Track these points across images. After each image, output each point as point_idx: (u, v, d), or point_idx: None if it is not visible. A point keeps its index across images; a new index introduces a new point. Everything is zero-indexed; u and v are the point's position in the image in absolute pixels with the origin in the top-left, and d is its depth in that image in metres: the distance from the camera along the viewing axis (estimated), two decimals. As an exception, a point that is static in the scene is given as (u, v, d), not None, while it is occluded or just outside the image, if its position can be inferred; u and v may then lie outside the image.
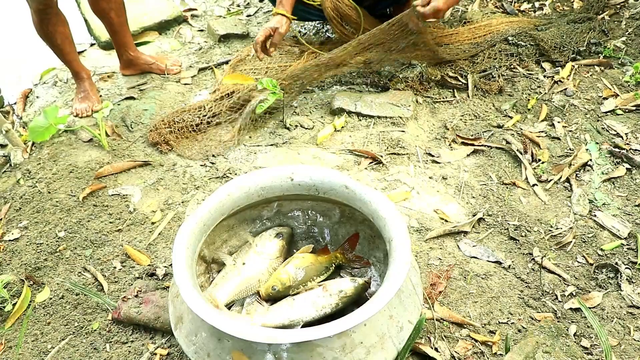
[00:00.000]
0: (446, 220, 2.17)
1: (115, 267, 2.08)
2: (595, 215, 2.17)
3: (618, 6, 3.26)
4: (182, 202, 2.33)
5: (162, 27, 3.52)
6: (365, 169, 2.40)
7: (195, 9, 3.70)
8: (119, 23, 2.92)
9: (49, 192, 2.42)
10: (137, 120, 2.78)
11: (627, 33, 3.06)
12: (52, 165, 2.56)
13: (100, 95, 2.97)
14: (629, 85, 2.75)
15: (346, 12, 2.83)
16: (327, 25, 2.90)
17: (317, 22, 3.14)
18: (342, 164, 2.43)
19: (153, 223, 2.26)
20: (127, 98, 2.94)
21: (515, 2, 3.42)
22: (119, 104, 2.89)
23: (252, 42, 3.32)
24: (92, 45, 3.50)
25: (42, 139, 2.52)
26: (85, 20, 3.56)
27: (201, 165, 2.49)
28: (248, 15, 3.58)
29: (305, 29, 3.13)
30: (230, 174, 2.42)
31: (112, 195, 2.39)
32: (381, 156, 2.44)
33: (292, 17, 2.67)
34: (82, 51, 3.39)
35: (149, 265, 2.08)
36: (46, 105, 3.00)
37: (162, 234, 2.21)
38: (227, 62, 3.16)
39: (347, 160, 2.45)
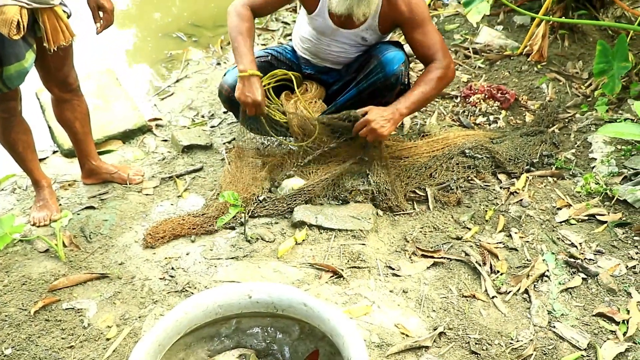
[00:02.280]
0: (407, 335, 2.15)
1: (65, 387, 2.01)
2: (554, 327, 2.19)
3: (566, 120, 3.42)
4: (140, 317, 2.27)
5: (127, 136, 3.55)
6: (326, 282, 2.40)
7: (160, 119, 3.76)
8: (83, 133, 2.94)
9: (-2, 306, 2.35)
10: (96, 231, 2.75)
11: (576, 145, 3.19)
12: (4, 276, 2.49)
13: (60, 204, 2.94)
14: (580, 196, 2.84)
15: (313, 130, 2.90)
16: (290, 138, 2.97)
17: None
18: (302, 277, 2.42)
19: (108, 339, 2.19)
20: (87, 207, 2.92)
21: (471, 116, 3.56)
22: (78, 214, 2.87)
23: (214, 152, 3.36)
24: (54, 152, 3.50)
25: (-4, 249, 2.47)
26: (49, 128, 3.57)
27: (160, 279, 2.45)
28: (212, 127, 3.64)
29: (268, 141, 3.19)
30: (190, 287, 2.39)
31: (66, 309, 2.33)
32: (342, 270, 2.44)
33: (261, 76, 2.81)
34: (44, 158, 3.39)
35: (102, 384, 2.02)
36: (3, 213, 2.95)
37: (117, 351, 2.14)
38: (189, 173, 3.18)
39: (308, 274, 2.44)
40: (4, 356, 2.13)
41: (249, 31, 2.82)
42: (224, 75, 3.04)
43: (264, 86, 2.86)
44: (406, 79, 2.87)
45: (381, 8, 2.77)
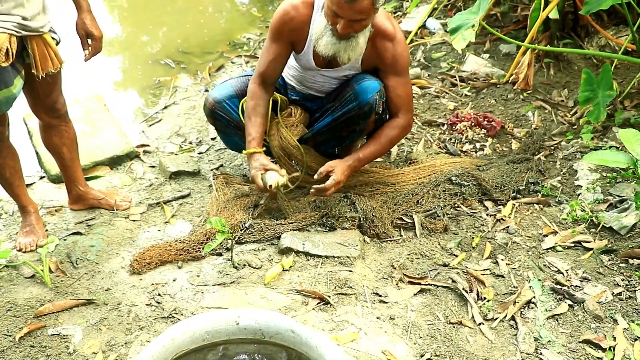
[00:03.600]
0: (394, 362, 2.15)
1: (49, 416, 1.98)
2: (541, 354, 2.19)
3: (552, 148, 3.46)
4: (126, 344, 2.25)
5: (114, 162, 3.55)
6: (313, 309, 2.39)
7: (148, 145, 3.76)
8: (70, 159, 2.94)
9: (-17, 332, 2.32)
10: (82, 257, 2.73)
11: (561, 173, 3.22)
12: (-11, 302, 2.48)
13: (47, 230, 2.93)
14: (566, 223, 2.87)
15: (292, 151, 2.97)
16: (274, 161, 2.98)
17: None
18: (289, 304, 2.42)
19: (93, 366, 2.18)
20: (74, 233, 2.90)
21: (457, 143, 3.59)
22: (65, 239, 2.85)
23: (202, 179, 3.37)
24: (41, 178, 3.48)
25: (-18, 275, 2.44)
26: (37, 153, 3.56)
27: (147, 305, 2.44)
28: (200, 153, 3.64)
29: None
30: (176, 314, 2.38)
31: (52, 335, 2.30)
32: (329, 296, 2.44)
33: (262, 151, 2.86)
34: (31, 184, 3.37)
35: (86, 412, 1.99)
36: (-11, 239, 2.94)
37: (103, 377, 2.13)
38: (177, 199, 3.18)
39: (295, 301, 2.44)
40: (-11, 383, 2.11)
41: (255, 109, 2.88)
42: (211, 89, 3.08)
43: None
44: (380, 108, 2.86)
45: (365, 51, 2.80)
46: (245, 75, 3.08)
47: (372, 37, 2.76)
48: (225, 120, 3.04)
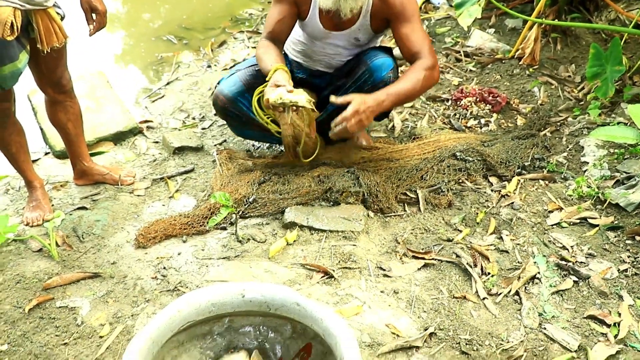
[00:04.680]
0: (398, 335, 2.16)
1: (59, 385, 2.01)
2: (545, 328, 2.19)
3: (558, 124, 3.44)
4: (132, 316, 2.27)
5: (118, 138, 3.55)
6: (317, 283, 2.40)
7: (151, 121, 3.76)
8: (76, 134, 2.94)
9: (-6, 303, 2.34)
10: (88, 231, 2.75)
11: (567, 149, 3.20)
12: (-2, 275, 2.50)
13: (52, 205, 2.94)
14: (572, 199, 2.85)
15: (305, 142, 2.90)
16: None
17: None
18: (294, 278, 2.43)
19: (101, 337, 2.19)
20: (79, 208, 2.92)
21: (462, 119, 3.57)
22: (70, 214, 2.87)
23: (205, 154, 3.37)
24: (46, 154, 3.49)
25: (-10, 248, 2.46)
26: (41, 129, 3.57)
27: (152, 278, 2.45)
28: (203, 128, 3.64)
29: (258, 143, 3.21)
30: (182, 287, 2.39)
31: (60, 307, 2.33)
32: (333, 270, 2.45)
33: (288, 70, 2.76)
34: (37, 159, 3.38)
35: (94, 382, 2.02)
36: (-4, 214, 2.96)
37: (110, 348, 2.15)
38: (180, 174, 3.19)
39: (299, 275, 2.45)
40: (0, 352, 2.13)
41: (268, 48, 2.82)
42: (218, 83, 3.02)
43: (258, 98, 2.83)
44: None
45: (372, 6, 2.77)
46: (251, 66, 3.01)
47: None
48: (238, 118, 3.00)
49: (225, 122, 3.32)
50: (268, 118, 2.85)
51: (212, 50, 4.75)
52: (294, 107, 2.62)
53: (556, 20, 4.09)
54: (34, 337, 2.20)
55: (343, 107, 2.62)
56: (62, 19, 2.53)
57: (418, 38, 2.76)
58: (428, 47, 2.76)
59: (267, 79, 2.68)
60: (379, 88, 2.74)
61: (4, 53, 2.36)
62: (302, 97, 2.57)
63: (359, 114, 2.55)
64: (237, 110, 2.96)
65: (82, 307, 2.33)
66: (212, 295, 1.76)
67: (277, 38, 2.89)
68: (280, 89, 2.57)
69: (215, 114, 3.76)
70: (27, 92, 3.74)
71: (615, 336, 2.16)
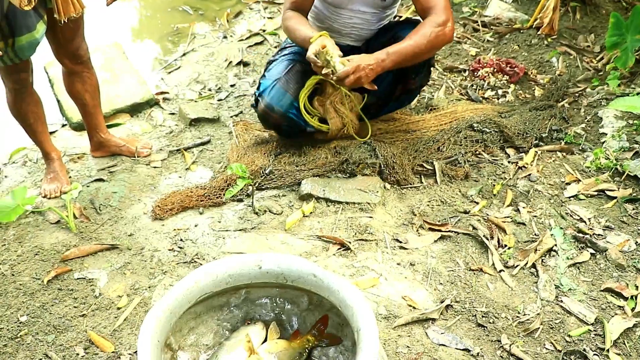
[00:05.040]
0: (414, 307, 2.17)
1: (78, 354, 2.04)
2: (561, 301, 2.19)
3: (576, 94, 3.40)
4: (149, 287, 2.30)
5: (134, 110, 3.56)
6: (334, 255, 2.41)
7: (167, 92, 3.75)
8: (93, 105, 2.95)
9: (13, 275, 2.37)
10: (105, 203, 2.76)
11: (586, 120, 3.17)
12: (18, 246, 2.52)
13: (70, 177, 2.96)
14: (590, 171, 2.83)
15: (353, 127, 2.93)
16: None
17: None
18: (310, 250, 2.44)
19: (119, 308, 2.22)
20: (96, 180, 2.93)
21: (479, 90, 3.54)
22: (88, 186, 2.89)
23: (222, 125, 3.37)
24: (63, 126, 3.51)
25: (9, 220, 2.46)
26: (58, 101, 3.58)
27: (169, 250, 2.47)
28: (219, 100, 3.63)
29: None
30: (199, 258, 2.41)
31: (78, 279, 2.36)
32: (349, 242, 2.45)
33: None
34: (54, 132, 3.40)
35: (113, 352, 2.04)
36: (15, 185, 2.98)
37: (128, 319, 2.17)
38: (197, 146, 3.19)
39: (316, 246, 2.46)
40: (20, 323, 2.17)
41: (299, 18, 2.77)
42: (260, 93, 2.88)
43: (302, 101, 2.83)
44: (433, 59, 2.82)
45: None
46: (288, 70, 2.88)
47: None
48: (290, 129, 2.92)
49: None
50: (315, 118, 2.88)
51: (227, 20, 4.71)
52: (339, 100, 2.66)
53: (576, -12, 4.03)
54: (52, 308, 2.23)
55: (382, 100, 2.81)
56: None
57: None
58: (443, 3, 2.63)
59: (311, 40, 2.59)
60: (418, 66, 2.75)
61: (21, 23, 2.36)
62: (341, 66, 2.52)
63: (359, 71, 2.49)
64: (290, 123, 2.87)
65: (99, 279, 2.36)
66: (229, 266, 1.77)
67: (301, 9, 2.82)
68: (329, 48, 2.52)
69: (232, 85, 3.76)
70: (43, 64, 3.74)
71: (633, 309, 2.15)
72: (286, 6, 2.84)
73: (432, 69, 2.98)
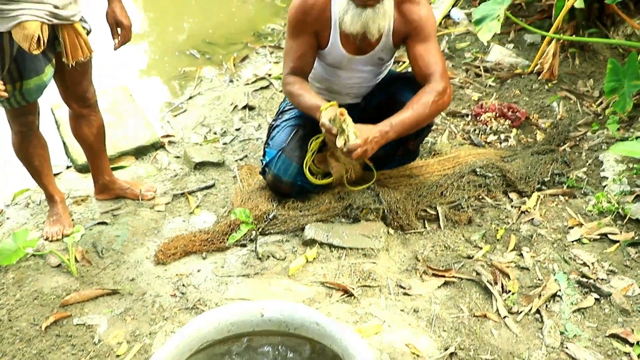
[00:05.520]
0: (418, 355, 2.15)
1: (76, 404, 2.02)
2: (567, 348, 2.17)
3: (577, 138, 3.42)
4: (150, 334, 2.28)
5: (139, 152, 3.58)
6: (337, 301, 2.40)
7: (173, 135, 3.78)
8: (98, 149, 2.97)
9: (10, 320, 2.35)
10: (108, 247, 2.76)
11: (587, 164, 3.18)
12: (17, 290, 2.51)
13: (73, 219, 2.96)
14: (592, 215, 2.83)
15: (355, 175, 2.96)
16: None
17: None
18: (313, 296, 2.42)
19: (118, 356, 2.19)
20: (99, 223, 2.94)
21: (481, 134, 3.56)
22: (90, 229, 2.89)
23: (226, 169, 3.39)
24: (68, 167, 3.53)
25: (9, 263, 2.45)
26: (64, 143, 3.61)
27: (171, 295, 2.46)
28: (224, 143, 3.66)
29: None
30: (201, 304, 2.40)
31: (77, 324, 2.34)
32: (353, 288, 2.44)
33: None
34: (58, 173, 3.41)
35: (112, 401, 2.02)
36: (17, 227, 2.97)
37: (127, 367, 2.16)
38: (201, 189, 3.21)
39: (319, 293, 2.45)
40: (15, 372, 2.14)
41: (302, 83, 2.74)
42: (266, 164, 2.92)
43: (307, 164, 2.84)
44: (432, 123, 2.86)
45: (394, 23, 2.70)
46: (290, 138, 2.88)
47: (397, 4, 2.65)
48: (299, 194, 2.94)
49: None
50: (318, 176, 2.91)
51: (234, 65, 4.78)
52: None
53: (574, 35, 4.08)
54: (49, 355, 2.20)
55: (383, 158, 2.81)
56: (88, 33, 2.57)
57: (433, 59, 2.67)
58: (441, 69, 2.66)
59: (321, 109, 2.55)
60: (421, 134, 2.83)
61: (30, 66, 2.39)
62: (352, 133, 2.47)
63: (366, 144, 2.44)
64: (299, 189, 2.91)
65: (99, 325, 2.34)
66: (232, 314, 1.76)
67: (302, 73, 2.80)
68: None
69: (237, 129, 3.79)
70: (50, 106, 3.78)
71: (639, 355, 2.13)
72: (286, 70, 2.80)
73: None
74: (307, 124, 2.94)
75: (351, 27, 2.56)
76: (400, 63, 4.34)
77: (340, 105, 2.68)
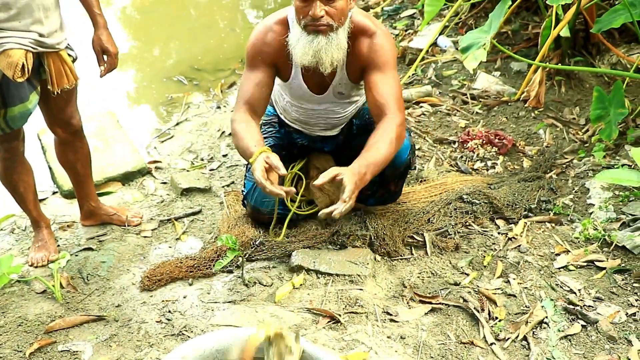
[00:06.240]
0: (405, 382, 2.14)
1: None
2: (554, 375, 2.17)
3: (564, 166, 3.45)
4: (135, 361, 2.26)
5: (126, 178, 3.57)
6: (324, 328, 2.38)
7: (160, 161, 3.78)
8: (84, 175, 2.96)
9: (-7, 347, 2.33)
10: (93, 273, 2.74)
11: (573, 191, 3.21)
12: (0, 317, 2.48)
13: (58, 245, 2.94)
14: (579, 242, 2.84)
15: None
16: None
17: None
18: (300, 322, 2.41)
19: (103, 383, 2.18)
20: (85, 249, 2.92)
21: (468, 161, 3.58)
22: (76, 255, 2.87)
23: (213, 195, 3.38)
24: (54, 193, 3.51)
25: (-7, 289, 2.45)
26: (50, 168, 3.60)
27: (157, 322, 2.44)
28: (211, 170, 3.66)
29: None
30: (187, 331, 2.38)
31: (62, 351, 2.31)
32: (339, 315, 2.43)
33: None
34: (44, 199, 3.40)
35: None
36: (1, 253, 2.96)
37: (111, 395, 2.13)
38: (188, 215, 3.20)
39: (305, 319, 2.43)
40: (-3, 401, 2.11)
41: (248, 123, 2.57)
42: (245, 197, 2.94)
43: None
44: (414, 164, 2.84)
45: (348, 57, 2.59)
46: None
47: (352, 37, 2.53)
48: (283, 221, 2.85)
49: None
50: (302, 204, 2.94)
51: (221, 91, 4.80)
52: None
53: (560, 64, 4.14)
54: (34, 383, 2.18)
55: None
56: (73, 60, 2.57)
57: (388, 89, 2.53)
58: (396, 100, 2.53)
59: (250, 160, 2.40)
60: (400, 172, 2.83)
61: (14, 94, 2.39)
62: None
63: (352, 197, 2.28)
64: (279, 217, 2.83)
65: (84, 352, 2.31)
66: (217, 340, 1.74)
67: (254, 109, 2.62)
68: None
69: (224, 155, 3.79)
70: (37, 131, 3.77)
71: (625, 382, 2.13)
72: (237, 106, 2.64)
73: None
74: (284, 151, 2.90)
75: (303, 57, 2.46)
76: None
77: (311, 137, 2.77)
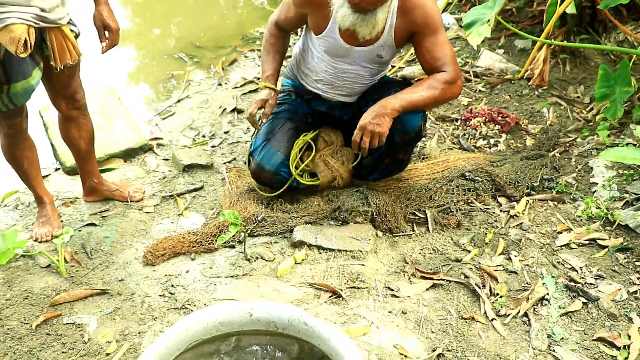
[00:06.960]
0: (406, 356, 2.15)
1: (64, 402, 2.01)
2: (554, 350, 2.18)
3: (567, 144, 3.43)
4: (139, 333, 2.27)
5: (128, 155, 3.58)
6: (325, 302, 2.40)
7: (161, 138, 3.78)
8: (87, 151, 2.96)
9: (0, 319, 2.34)
10: (97, 248, 2.76)
11: (577, 170, 3.20)
12: (7, 290, 2.50)
13: (62, 221, 2.95)
14: (581, 220, 2.84)
15: (343, 179, 2.98)
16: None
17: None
18: (302, 297, 2.42)
19: (107, 354, 2.19)
20: (88, 224, 2.93)
21: (471, 139, 3.58)
22: (79, 230, 2.88)
23: (215, 172, 3.38)
24: (57, 169, 3.51)
25: (-1, 263, 2.46)
26: (52, 145, 3.59)
27: (160, 296, 2.46)
28: (213, 146, 3.66)
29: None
30: (189, 304, 2.39)
31: (67, 323, 2.33)
32: (341, 290, 2.44)
33: (278, 90, 2.88)
34: (47, 175, 3.41)
35: (100, 400, 2.01)
36: (6, 229, 2.96)
37: (116, 366, 2.15)
38: (190, 192, 3.21)
39: (307, 294, 2.44)
40: (5, 369, 2.14)
41: (273, 46, 2.96)
42: (251, 153, 2.96)
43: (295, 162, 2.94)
44: (424, 132, 2.86)
45: (396, 20, 2.66)
46: (279, 128, 2.96)
47: (400, 6, 2.64)
48: (281, 185, 2.94)
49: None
50: (306, 174, 2.97)
51: (222, 68, 4.78)
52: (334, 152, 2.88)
53: (565, 41, 4.10)
54: (40, 353, 2.20)
55: (372, 167, 2.92)
56: (76, 36, 2.56)
57: (440, 53, 2.66)
58: (452, 62, 2.66)
59: (261, 84, 2.86)
60: (410, 137, 2.82)
61: (17, 70, 2.38)
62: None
63: (365, 129, 2.62)
64: (281, 181, 2.91)
65: (89, 324, 2.33)
66: (220, 313, 1.76)
67: (283, 28, 2.99)
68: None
69: (225, 132, 3.78)
70: (39, 108, 3.77)
71: (625, 359, 2.14)
72: (274, 17, 3.00)
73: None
74: (297, 119, 3.00)
75: (340, 22, 2.59)
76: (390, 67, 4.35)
77: (331, 102, 2.87)
